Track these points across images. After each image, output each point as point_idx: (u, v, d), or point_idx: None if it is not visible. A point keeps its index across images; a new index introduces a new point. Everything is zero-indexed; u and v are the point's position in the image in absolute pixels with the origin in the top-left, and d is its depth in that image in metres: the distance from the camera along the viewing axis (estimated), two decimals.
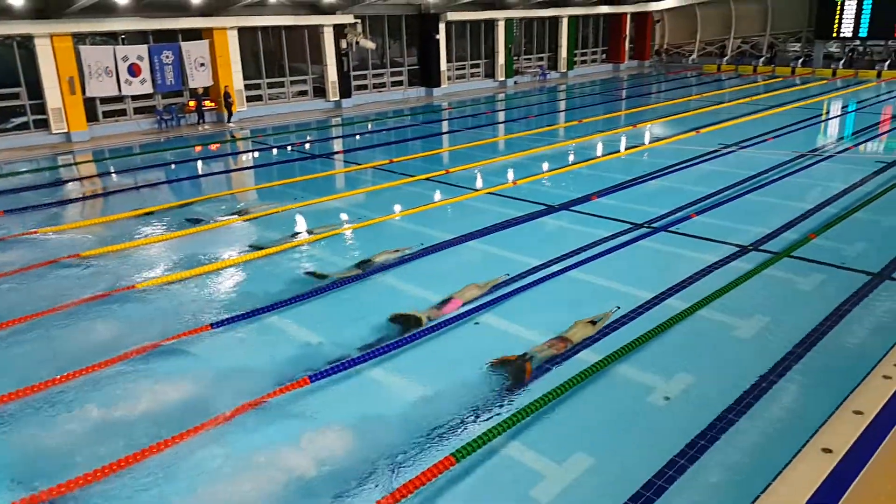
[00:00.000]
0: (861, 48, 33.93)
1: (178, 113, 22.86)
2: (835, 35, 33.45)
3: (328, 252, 10.46)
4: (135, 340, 7.35)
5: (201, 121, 23.06)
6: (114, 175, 16.59)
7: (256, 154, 19.37)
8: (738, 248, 9.81)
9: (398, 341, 7.28)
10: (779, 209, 11.75)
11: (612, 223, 11.21)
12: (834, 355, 6.85)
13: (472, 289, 8.57)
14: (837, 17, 32.98)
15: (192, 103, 22.96)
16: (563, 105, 28.24)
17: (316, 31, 25.84)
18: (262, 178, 16.10)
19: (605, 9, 35.96)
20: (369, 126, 23.40)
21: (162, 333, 7.51)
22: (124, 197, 14.30)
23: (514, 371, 6.63)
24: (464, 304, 8.22)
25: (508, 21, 31.80)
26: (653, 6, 37.75)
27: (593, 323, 7.57)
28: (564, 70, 35.42)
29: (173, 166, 17.35)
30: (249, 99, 24.47)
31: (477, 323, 7.82)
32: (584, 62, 37.69)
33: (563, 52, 35.16)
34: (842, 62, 33.73)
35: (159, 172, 16.63)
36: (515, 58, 33.47)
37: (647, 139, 19.63)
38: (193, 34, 22.70)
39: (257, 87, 25.01)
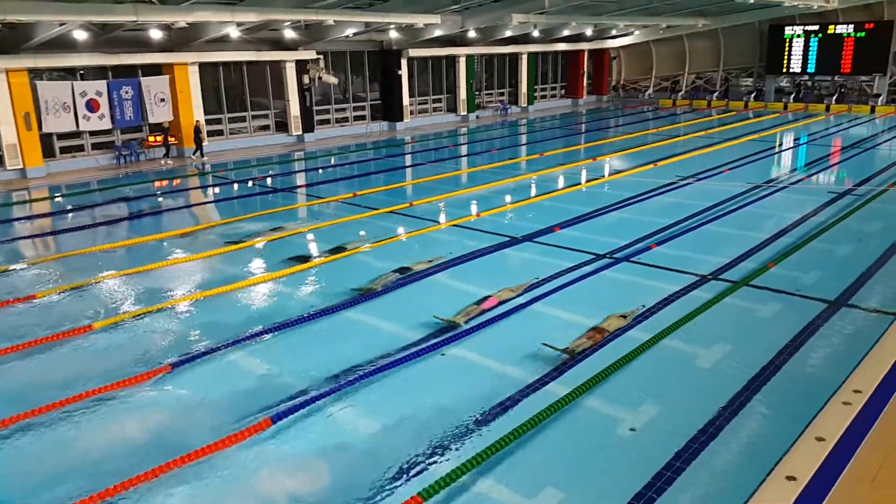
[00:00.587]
0: (810, 83, 35.24)
1: (137, 148, 22.57)
2: (785, 70, 34.70)
3: (291, 287, 10.33)
4: (90, 379, 7.15)
5: (168, 155, 22.83)
6: (70, 211, 16.22)
7: (218, 189, 19.17)
8: (698, 278, 9.96)
9: (363, 375, 7.19)
10: (736, 239, 12.00)
11: (574, 254, 11.30)
12: (794, 382, 6.95)
13: (507, 291, 9.53)
14: (787, 53, 34.27)
15: (153, 138, 22.71)
16: (524, 139, 28.64)
17: (278, 66, 25.89)
18: (224, 213, 15.90)
19: (563, 46, 36.80)
20: (332, 160, 23.38)
21: (122, 371, 7.31)
22: (80, 233, 13.98)
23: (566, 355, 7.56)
24: (499, 304, 9.16)
25: (469, 57, 32.30)
26: (609, 43, 38.76)
27: (623, 317, 8.45)
28: (525, 105, 36.01)
29: (132, 202, 17.04)
30: (210, 134, 24.30)
31: (443, 354, 7.77)
32: (543, 97, 38.38)
33: (524, 88, 35.79)
34: (792, 96, 34.94)
35: (118, 208, 16.32)
36: (477, 93, 33.94)
37: (606, 172, 19.98)
38: (154, 69, 22.55)
39: (218, 121, 24.88)
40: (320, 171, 22.10)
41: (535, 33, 32.48)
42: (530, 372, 7.21)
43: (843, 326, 8.25)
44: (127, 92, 21.77)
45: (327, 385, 7.02)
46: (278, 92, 26.27)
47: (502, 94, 35.92)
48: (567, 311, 9.02)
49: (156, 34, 21.49)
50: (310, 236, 13.41)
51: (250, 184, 19.14)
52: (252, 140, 25.74)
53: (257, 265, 11.46)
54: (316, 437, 6.18)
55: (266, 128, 26.58)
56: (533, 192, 17.31)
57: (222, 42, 23.63)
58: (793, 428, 5.84)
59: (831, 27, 32.74)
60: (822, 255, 11.13)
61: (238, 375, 7.42)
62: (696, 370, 7.33)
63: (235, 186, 19.11)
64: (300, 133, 26.61)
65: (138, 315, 9.07)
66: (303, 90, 26.36)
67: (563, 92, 39.63)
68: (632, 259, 11.02)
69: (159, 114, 22.66)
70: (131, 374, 7.31)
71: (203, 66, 23.59)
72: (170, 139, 22.77)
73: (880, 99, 32.15)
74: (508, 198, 16.35)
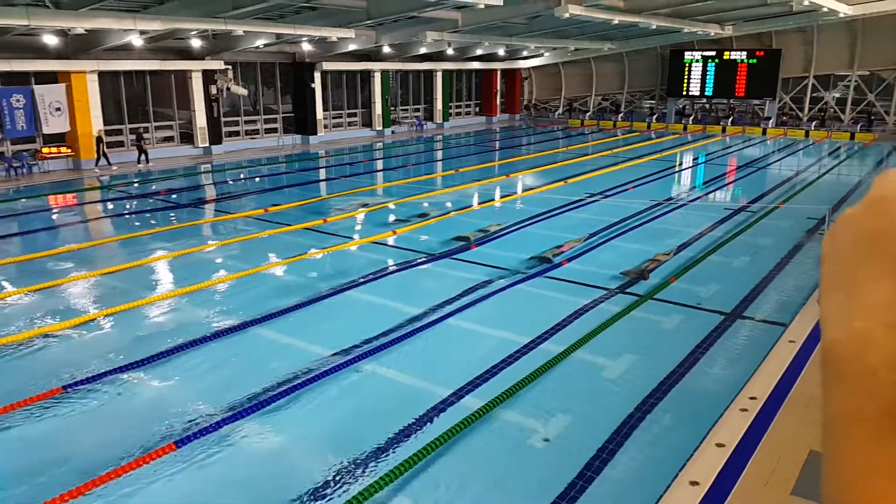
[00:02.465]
0: (708, 106, 37.24)
1: (30, 160, 21.33)
2: (684, 94, 36.56)
3: (196, 306, 9.98)
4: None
5: (103, 162, 22.17)
6: None
7: (119, 203, 18.34)
8: (606, 291, 10.28)
9: (279, 394, 7.00)
10: (641, 254, 12.45)
11: (489, 269, 11.45)
12: (696, 390, 7.27)
13: (574, 242, 12.71)
14: (686, 77, 36.12)
15: (48, 149, 21.54)
16: (439, 155, 28.88)
17: (183, 75, 25.14)
18: (122, 229, 15.23)
19: (476, 64, 37.47)
20: (242, 173, 22.83)
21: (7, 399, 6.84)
22: None
23: (636, 275, 10.87)
24: (570, 249, 12.46)
25: (384, 72, 32.37)
26: (521, 64, 39.75)
27: (667, 254, 12.00)
28: (440, 121, 36.37)
29: (24, 217, 16.06)
30: (110, 145, 23.25)
31: (359, 371, 7.69)
32: (458, 114, 38.91)
33: (439, 104, 36.17)
34: (692, 118, 36.82)
35: (5, 224, 15.35)
36: (392, 108, 34.02)
37: (519, 188, 20.39)
38: (49, 77, 21.43)
39: (119, 132, 23.87)
40: (229, 184, 21.53)
41: (450, 51, 32.94)
42: (445, 386, 7.23)
43: (738, 337, 8.71)
44: (18, 100, 20.58)
45: (233, 409, 6.81)
46: (184, 102, 25.49)
47: (418, 109, 36.16)
48: (485, 326, 9.11)
49: (51, 40, 20.48)
50: (216, 254, 13.01)
51: (153, 198, 18.43)
52: (155, 152, 24.76)
53: (155, 284, 11.02)
54: (220, 461, 5.98)
55: (170, 139, 25.70)
56: (448, 207, 17.44)
57: (124, 50, 22.77)
58: (695, 434, 6.10)
59: (727, 53, 34.77)
60: (719, 269, 11.72)
61: (139, 399, 7.10)
62: (605, 381, 7.54)
63: (135, 201, 18.33)
64: (207, 145, 25.87)
65: (21, 340, 8.54)
66: (210, 101, 25.67)
67: (477, 109, 40.31)
68: (544, 274, 11.26)
69: (55, 124, 21.54)
70: (20, 397, 6.86)
71: (103, 75, 22.63)
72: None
73: (771, 121, 34.34)
74: (424, 213, 16.40)
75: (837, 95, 33.90)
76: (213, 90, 25.63)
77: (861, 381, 0.51)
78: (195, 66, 24.96)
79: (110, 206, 18.05)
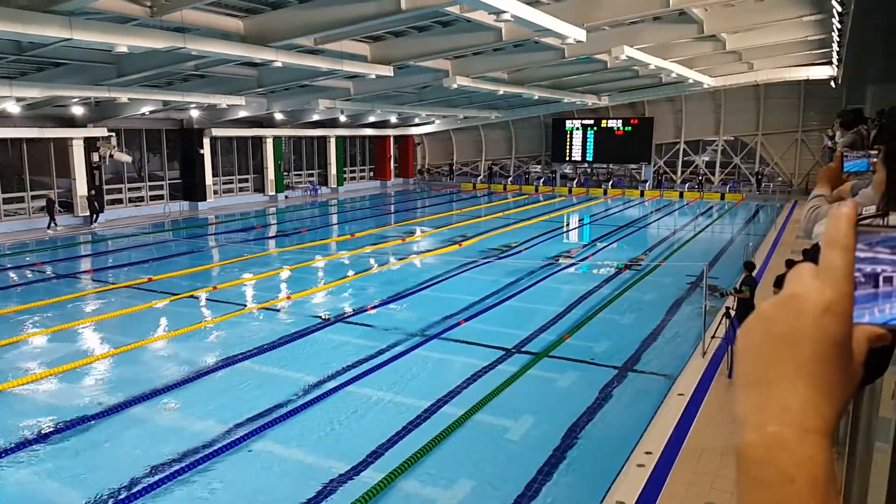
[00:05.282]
0: (589, 170, 39.25)
1: None
2: (568, 159, 38.44)
3: (71, 384, 9.27)
4: None
5: (53, 224, 22.56)
6: None
7: None
8: (503, 352, 10.39)
9: (163, 479, 6.54)
10: (536, 313, 12.76)
11: (387, 333, 11.34)
12: (595, 446, 7.39)
13: (576, 249, 15.94)
14: (568, 143, 38.07)
15: None
16: (335, 219, 28.75)
17: (63, 143, 23.98)
18: None
19: (370, 131, 37.98)
20: (124, 242, 21.79)
21: None
22: None
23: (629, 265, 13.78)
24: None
25: (277, 138, 32.18)
26: (413, 130, 40.63)
27: (644, 255, 15.97)
28: (335, 186, 36.35)
29: None
30: None
31: (250, 451, 7.32)
32: (353, 179, 39.06)
33: (333, 170, 36.22)
34: (575, 181, 38.61)
35: None
36: (286, 173, 33.72)
37: (415, 251, 20.54)
38: None
39: None
40: (111, 254, 20.46)
41: (343, 118, 33.24)
42: (343, 460, 6.99)
43: (631, 390, 8.99)
44: None
45: (112, 497, 6.30)
46: (63, 171, 24.22)
47: (312, 175, 36.03)
48: (383, 392, 8.95)
49: None
50: (95, 328, 12.23)
51: (28, 273, 17.22)
52: (31, 222, 23.29)
53: (24, 365, 10.20)
54: None
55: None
56: (345, 272, 17.28)
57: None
58: (596, 492, 6.16)
59: (604, 121, 36.99)
60: (608, 326, 12.14)
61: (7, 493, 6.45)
62: (506, 442, 7.54)
63: (10, 275, 17.05)
64: (88, 214, 24.57)
65: None
66: (92, 169, 24.56)
67: (371, 174, 40.62)
68: (443, 336, 11.28)
69: None
70: None
71: None
72: (54, 212, 22.80)
73: (647, 184, 36.51)
74: (319, 278, 16.17)
75: (707, 159, 36.66)
76: (96, 158, 24.58)
77: (778, 489, 0.49)
78: (76, 134, 23.89)
79: None
